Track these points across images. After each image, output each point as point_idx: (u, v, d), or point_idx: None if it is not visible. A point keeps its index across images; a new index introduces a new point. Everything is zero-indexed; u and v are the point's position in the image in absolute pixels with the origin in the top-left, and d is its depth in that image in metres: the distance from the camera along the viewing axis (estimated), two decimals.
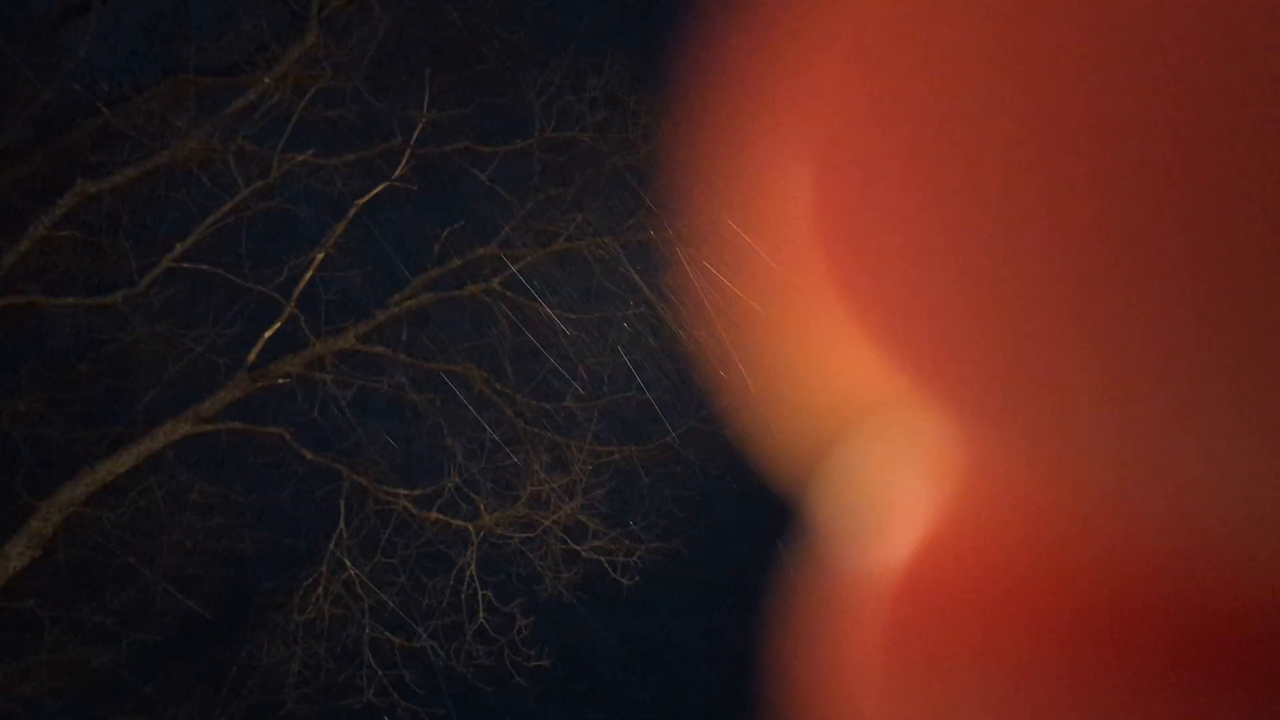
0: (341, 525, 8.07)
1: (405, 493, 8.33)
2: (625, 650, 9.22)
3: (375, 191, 7.75)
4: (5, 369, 7.57)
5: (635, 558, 8.63)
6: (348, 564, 8.12)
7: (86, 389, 7.54)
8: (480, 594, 8.54)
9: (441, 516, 8.46)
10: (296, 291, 7.76)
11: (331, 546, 7.94)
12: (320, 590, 8.05)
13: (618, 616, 9.09)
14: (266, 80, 7.28)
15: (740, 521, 8.29)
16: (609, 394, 8.61)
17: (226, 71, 7.55)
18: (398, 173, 7.84)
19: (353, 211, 7.76)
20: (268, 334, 7.71)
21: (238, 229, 7.59)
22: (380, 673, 8.32)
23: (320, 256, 7.76)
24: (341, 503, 8.09)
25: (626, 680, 9.29)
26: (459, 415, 8.50)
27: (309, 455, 8.06)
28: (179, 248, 7.51)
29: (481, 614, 8.55)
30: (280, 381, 7.87)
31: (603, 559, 8.45)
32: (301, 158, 7.57)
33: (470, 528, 8.51)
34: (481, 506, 8.61)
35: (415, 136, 7.76)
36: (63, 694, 7.50)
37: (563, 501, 8.66)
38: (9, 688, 7.15)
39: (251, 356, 7.74)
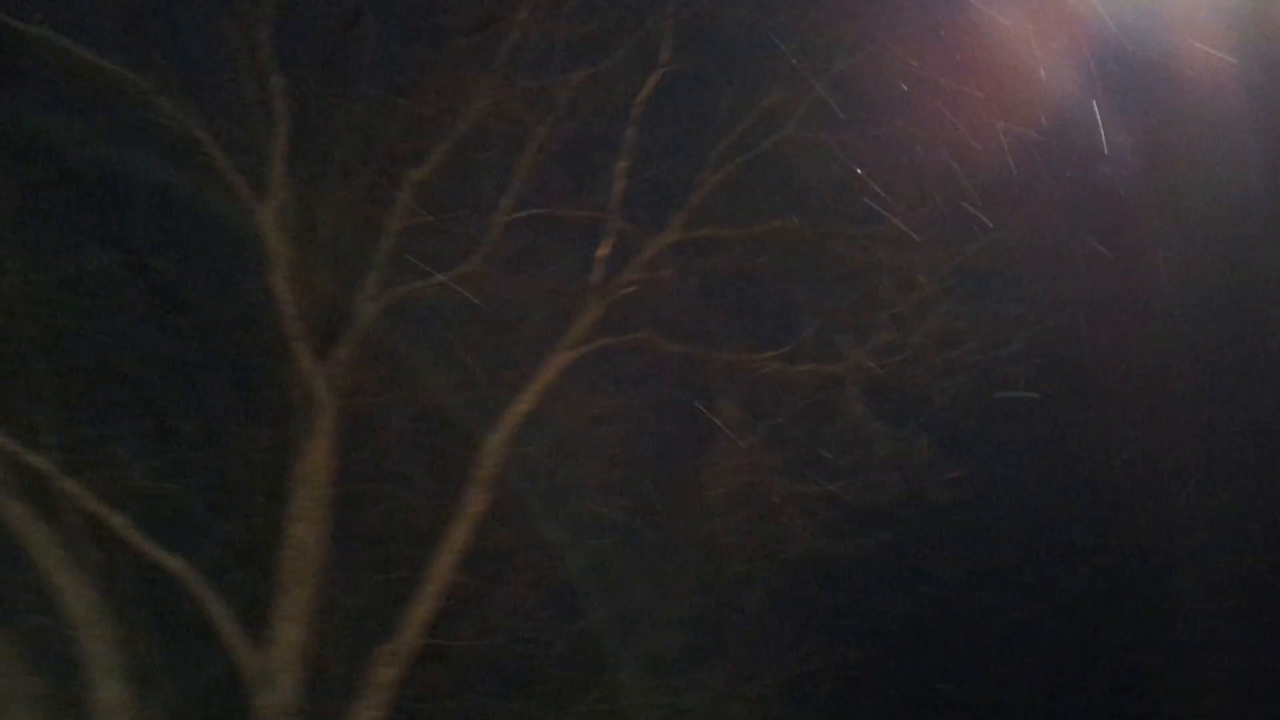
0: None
1: (771, 354, 8.67)
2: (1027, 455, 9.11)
3: (652, 83, 8.04)
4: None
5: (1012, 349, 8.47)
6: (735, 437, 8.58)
7: (474, 347, 8.48)
8: (871, 426, 8.76)
9: (814, 365, 8.73)
10: (614, 204, 8.25)
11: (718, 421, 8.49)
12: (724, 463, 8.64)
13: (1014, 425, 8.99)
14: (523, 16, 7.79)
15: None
16: (934, 199, 8.44)
17: (479, 27, 8.11)
18: (664, 59, 8.08)
19: (638, 110, 8.09)
20: (600, 252, 8.29)
21: (541, 167, 8.18)
22: (801, 524, 8.77)
23: (624, 164, 8.20)
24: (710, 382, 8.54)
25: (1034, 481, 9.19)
26: (795, 268, 8.69)
27: (676, 349, 8.59)
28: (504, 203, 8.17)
29: (878, 446, 8.76)
30: (626, 290, 8.46)
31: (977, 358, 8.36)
32: (580, 75, 7.97)
33: (842, 369, 8.72)
34: (846, 346, 8.78)
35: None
36: None
37: (922, 317, 8.64)
38: None
39: (595, 277, 8.36)
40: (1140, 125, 8.26)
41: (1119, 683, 10.34)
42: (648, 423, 8.73)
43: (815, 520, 8.85)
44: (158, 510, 8.01)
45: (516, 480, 8.56)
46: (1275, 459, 9.76)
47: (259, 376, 8.45)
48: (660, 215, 8.43)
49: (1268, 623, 9.87)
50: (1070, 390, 9.24)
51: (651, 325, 8.49)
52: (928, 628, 9.61)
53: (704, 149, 8.42)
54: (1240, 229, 8.88)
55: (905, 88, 8.06)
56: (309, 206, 8.09)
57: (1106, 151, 8.22)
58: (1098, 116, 8.04)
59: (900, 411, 8.94)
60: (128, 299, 8.22)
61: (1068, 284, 8.95)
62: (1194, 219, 8.79)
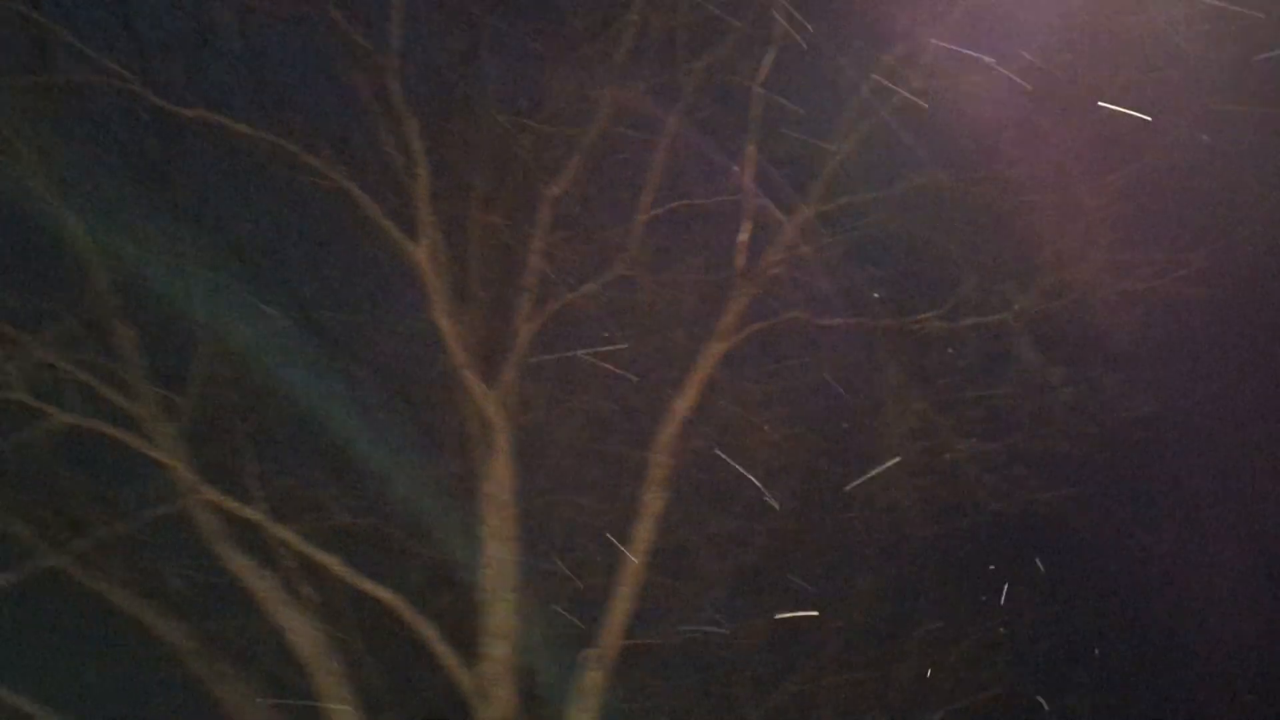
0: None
1: (931, 314, 8.46)
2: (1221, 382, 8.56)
3: (771, 60, 7.94)
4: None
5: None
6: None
7: (631, 349, 8.60)
8: (1049, 372, 8.44)
9: (978, 319, 8.48)
10: (748, 186, 8.22)
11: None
12: None
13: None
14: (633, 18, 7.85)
15: None
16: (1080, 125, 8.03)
17: (595, 34, 8.21)
18: (780, 33, 7.98)
19: (759, 89, 8.01)
20: (741, 237, 8.27)
21: (673, 160, 8.22)
22: (987, 482, 8.52)
23: (752, 145, 8.15)
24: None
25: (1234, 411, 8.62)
26: (945, 222, 8.45)
27: (830, 323, 8.50)
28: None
29: (1059, 392, 8.44)
30: (773, 271, 8.41)
31: None
32: (700, 63, 7.96)
33: (1008, 318, 8.45)
34: (1011, 294, 8.49)
35: None
36: None
37: (1087, 251, 8.26)
38: None
39: (740, 262, 8.35)
40: None
41: None
42: (812, 401, 8.66)
43: (1001, 476, 8.60)
44: (362, 545, 8.50)
45: (692, 473, 8.65)
46: None
47: (435, 407, 8.83)
48: (798, 191, 8.34)
49: None
50: (1266, 307, 8.63)
51: (802, 304, 8.41)
52: (1135, 578, 9.17)
53: (832, 116, 8.28)
54: None
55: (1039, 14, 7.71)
56: (457, 238, 8.39)
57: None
58: None
59: (1078, 353, 8.58)
60: (307, 352, 8.71)
61: (1249, 191, 8.35)
62: None
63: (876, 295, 8.42)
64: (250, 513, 7.99)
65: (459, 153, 8.40)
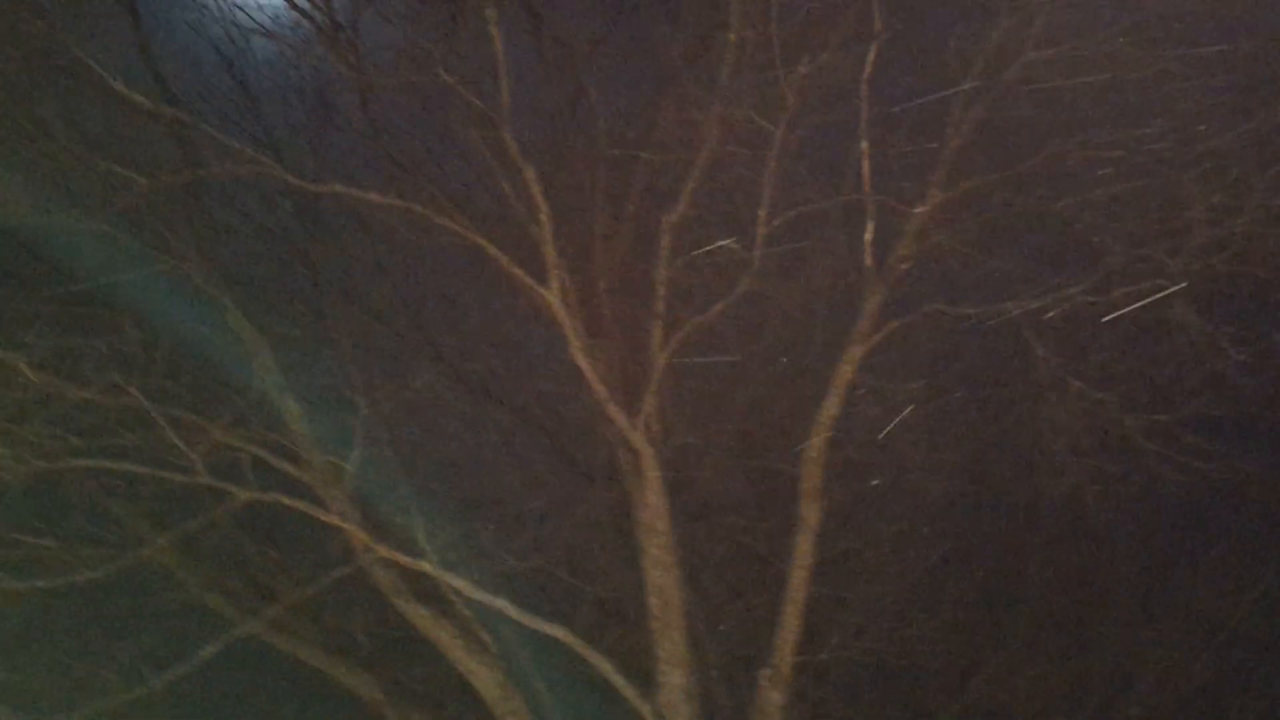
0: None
1: (1078, 288, 8.10)
2: None
3: (873, 55, 7.80)
4: None
5: None
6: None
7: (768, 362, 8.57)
8: (1215, 333, 7.97)
9: (1129, 288, 8.08)
10: (867, 184, 8.08)
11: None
12: None
13: None
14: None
15: None
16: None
17: (696, 56, 8.23)
18: (879, 28, 7.86)
19: (865, 85, 7.89)
20: (867, 236, 8.14)
21: (787, 169, 8.17)
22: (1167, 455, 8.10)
23: (865, 142, 8.02)
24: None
25: None
26: (1078, 193, 8.11)
27: (970, 311, 8.26)
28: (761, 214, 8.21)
29: (1230, 351, 7.95)
30: (904, 266, 8.24)
31: None
32: (803, 69, 7.91)
33: (1162, 283, 8.02)
34: (1161, 257, 8.06)
35: None
36: None
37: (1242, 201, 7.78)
38: None
39: (869, 261, 8.21)
40: None
41: None
42: (962, 394, 8.40)
43: (1178, 448, 8.13)
44: (531, 586, 8.71)
45: (847, 481, 8.51)
46: None
47: (583, 444, 8.98)
48: (919, 182, 8.16)
49: None
50: None
51: (940, 295, 8.20)
52: None
53: (944, 102, 8.08)
54: None
55: None
56: (585, 276, 8.55)
57: None
58: None
59: (1246, 310, 8.06)
60: (456, 405, 9.02)
61: None
62: None
63: (1015, 278, 8.10)
64: (422, 565, 8.29)
65: (577, 193, 8.58)
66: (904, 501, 8.74)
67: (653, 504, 8.33)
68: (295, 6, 8.42)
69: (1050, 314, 8.03)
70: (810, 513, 8.27)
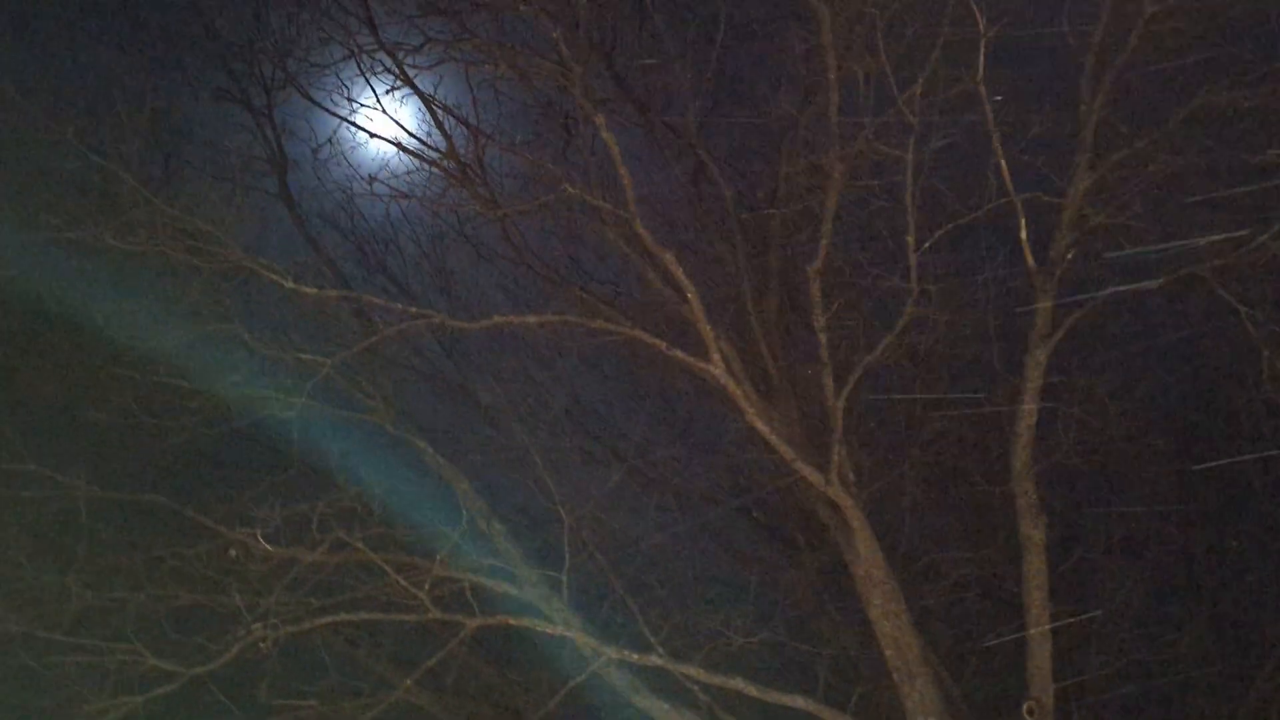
0: None
1: (1267, 235, 7.48)
2: None
3: (984, 54, 7.54)
4: None
5: None
6: None
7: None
8: None
9: None
10: (1008, 184, 7.79)
11: None
12: None
13: None
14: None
15: None
16: None
17: (804, 105, 8.23)
18: (984, 27, 7.65)
19: (982, 87, 7.66)
20: (1022, 235, 7.82)
21: (924, 189, 7.99)
22: None
23: (996, 143, 7.75)
24: None
25: None
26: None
27: (1150, 285, 7.76)
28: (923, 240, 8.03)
29: None
30: (1069, 257, 7.87)
31: None
32: (916, 88, 7.76)
33: None
34: None
35: None
36: None
37: None
38: None
39: (1029, 260, 7.88)
40: None
41: None
42: (1163, 376, 7.85)
43: None
44: (762, 661, 8.61)
45: (1061, 489, 8.06)
46: None
47: (781, 509, 8.89)
48: (1062, 169, 7.81)
49: None
50: None
51: (1114, 277, 7.75)
52: None
53: (1072, 80, 7.75)
54: None
55: None
56: (745, 342, 8.57)
57: None
58: None
59: None
60: (648, 498, 9.14)
61: None
62: None
63: (1194, 237, 7.55)
64: (652, 660, 8.35)
65: (719, 265, 8.66)
66: (1128, 499, 8.16)
67: (865, 554, 8.13)
68: (424, 159, 9.00)
69: (1242, 268, 7.44)
70: (1032, 530, 7.86)
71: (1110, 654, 8.08)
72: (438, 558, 8.59)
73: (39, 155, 8.35)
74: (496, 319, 8.76)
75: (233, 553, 8.16)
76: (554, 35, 8.13)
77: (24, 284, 8.41)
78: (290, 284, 8.33)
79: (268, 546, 8.35)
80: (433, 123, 8.89)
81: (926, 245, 8.00)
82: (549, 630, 8.43)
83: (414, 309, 8.68)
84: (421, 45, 8.59)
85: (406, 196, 8.89)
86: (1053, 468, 7.96)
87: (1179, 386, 7.95)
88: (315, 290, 8.49)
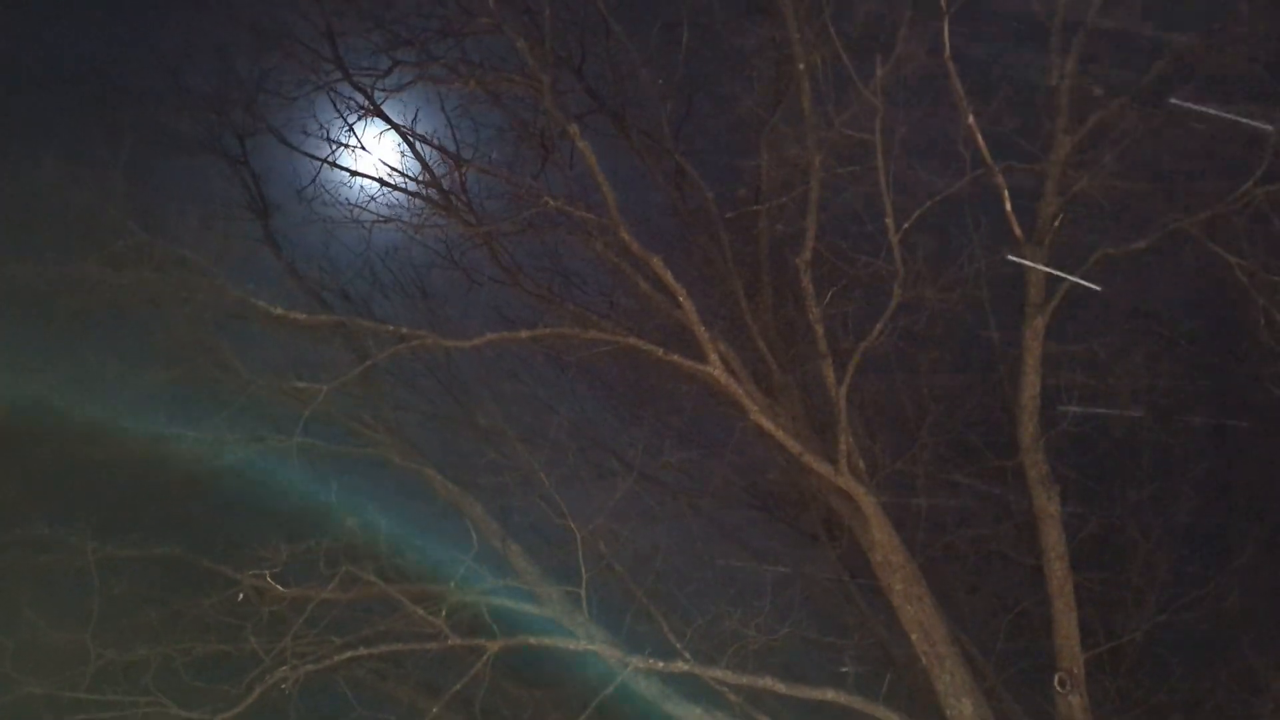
0: None
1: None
2: None
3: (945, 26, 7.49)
4: None
5: None
6: None
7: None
8: None
9: None
10: (985, 156, 7.74)
11: None
12: None
13: None
14: None
15: None
16: None
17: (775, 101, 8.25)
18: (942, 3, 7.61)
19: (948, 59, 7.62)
20: (1006, 207, 7.78)
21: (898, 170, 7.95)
22: None
23: (970, 118, 7.71)
24: None
25: None
26: None
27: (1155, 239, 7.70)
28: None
29: None
30: (1055, 224, 7.83)
31: None
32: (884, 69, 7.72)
33: None
34: None
35: None
36: None
37: None
38: None
39: (1016, 231, 7.84)
40: None
41: None
42: (1174, 330, 7.76)
43: None
44: (789, 657, 8.56)
45: (1071, 456, 8.00)
46: None
47: (794, 503, 8.84)
48: (1043, 137, 7.77)
49: None
50: None
51: (1108, 238, 7.70)
52: None
53: (1041, 48, 7.71)
54: None
55: None
56: (741, 340, 8.55)
57: None
58: None
59: None
60: (659, 504, 9.10)
61: None
62: None
63: (1179, 193, 7.50)
64: (679, 666, 8.31)
65: (708, 266, 8.64)
66: (1147, 459, 8.09)
67: (881, 540, 8.08)
68: (407, 191, 9.02)
69: (1231, 216, 7.37)
70: (1046, 501, 7.81)
71: (1142, 618, 8.00)
72: (450, 583, 8.58)
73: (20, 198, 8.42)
74: (489, 336, 8.75)
75: (241, 597, 8.14)
76: (519, 45, 8.14)
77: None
78: (279, 310, 8.35)
79: (279, 588, 8.35)
80: (411, 153, 8.91)
81: (906, 226, 7.96)
82: (572, 646, 8.40)
83: (405, 330, 8.68)
84: (389, 70, 8.61)
85: (389, 221, 8.90)
86: (1061, 436, 7.90)
87: (1189, 339, 7.86)
88: (305, 316, 8.50)
